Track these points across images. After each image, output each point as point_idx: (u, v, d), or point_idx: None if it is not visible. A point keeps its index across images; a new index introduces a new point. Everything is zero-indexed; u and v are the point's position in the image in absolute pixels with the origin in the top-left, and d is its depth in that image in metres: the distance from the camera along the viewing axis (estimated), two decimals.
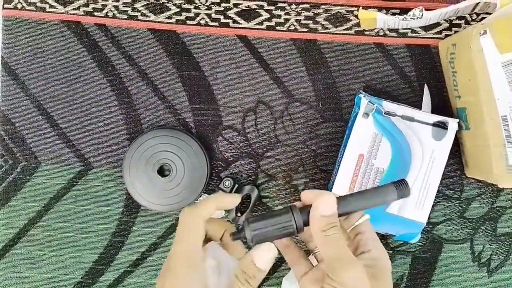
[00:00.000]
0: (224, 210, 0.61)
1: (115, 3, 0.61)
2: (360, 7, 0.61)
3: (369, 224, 0.37)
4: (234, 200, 0.39)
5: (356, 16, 0.62)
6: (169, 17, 0.61)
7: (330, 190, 0.58)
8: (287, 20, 0.62)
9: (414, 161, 0.56)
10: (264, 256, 0.34)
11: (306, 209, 0.36)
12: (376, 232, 0.61)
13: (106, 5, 0.61)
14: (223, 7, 0.62)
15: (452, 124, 0.56)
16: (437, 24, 0.62)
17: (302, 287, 0.37)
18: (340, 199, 0.37)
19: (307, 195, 0.37)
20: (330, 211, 0.34)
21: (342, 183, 0.57)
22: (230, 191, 0.61)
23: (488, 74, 0.51)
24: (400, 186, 0.37)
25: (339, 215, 0.36)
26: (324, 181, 0.63)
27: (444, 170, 0.57)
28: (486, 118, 0.52)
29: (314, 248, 0.41)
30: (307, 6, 0.62)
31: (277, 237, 0.36)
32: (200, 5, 0.62)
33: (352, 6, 0.62)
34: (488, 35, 0.51)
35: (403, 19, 0.58)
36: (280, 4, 0.62)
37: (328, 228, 0.33)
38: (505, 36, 0.50)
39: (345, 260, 0.32)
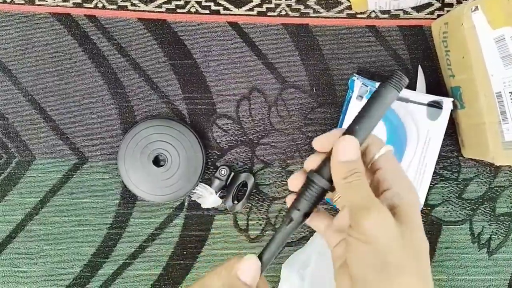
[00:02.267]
0: (220, 198, 0.61)
1: None
2: None
3: (391, 156, 0.31)
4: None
5: None
6: (159, 6, 0.61)
7: None
8: (278, 5, 0.61)
9: (410, 141, 0.56)
10: (247, 268, 0.31)
11: (324, 164, 0.32)
12: None
13: None
14: None
15: (447, 103, 0.56)
16: (429, 4, 0.61)
17: (326, 240, 0.34)
18: (352, 127, 0.32)
19: (321, 142, 0.33)
20: (350, 156, 0.29)
21: None
22: (226, 180, 0.61)
23: (481, 50, 0.51)
24: (394, 80, 0.33)
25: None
26: None
27: (440, 152, 0.57)
28: (480, 95, 0.52)
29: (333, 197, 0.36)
30: None
31: (315, 205, 0.33)
32: None
33: None
34: (480, 11, 0.50)
35: None
36: None
37: (350, 174, 0.29)
38: (496, 12, 0.50)
39: (366, 207, 0.28)
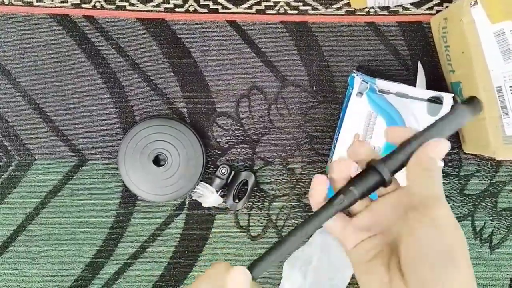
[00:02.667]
0: (221, 196, 0.61)
1: None
2: None
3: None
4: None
5: None
6: (157, 5, 0.61)
7: (327, 171, 0.58)
8: (276, 3, 0.61)
9: None
10: (438, 147, 0.32)
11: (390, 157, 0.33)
12: None
13: None
14: None
15: (447, 98, 0.56)
16: (428, 0, 0.61)
17: (343, 241, 0.35)
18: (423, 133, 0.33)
19: (395, 132, 0.34)
20: (439, 156, 0.32)
21: None
22: (227, 178, 0.61)
23: (481, 45, 0.50)
24: (471, 103, 0.34)
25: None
26: (321, 164, 0.62)
27: None
28: (481, 90, 0.52)
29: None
30: None
31: (366, 195, 0.34)
32: None
33: None
34: (479, 5, 0.50)
35: None
36: None
37: (433, 167, 0.31)
38: (495, 6, 0.50)
39: (441, 200, 0.30)
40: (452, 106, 0.35)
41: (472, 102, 0.35)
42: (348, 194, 0.33)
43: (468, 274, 0.29)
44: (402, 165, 0.33)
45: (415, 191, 0.32)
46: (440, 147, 0.32)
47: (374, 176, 0.33)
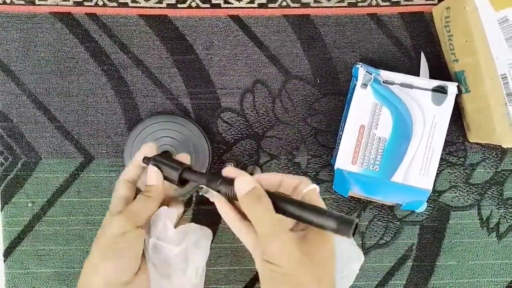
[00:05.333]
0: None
1: None
2: None
3: (315, 194, 0.36)
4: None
5: None
6: (160, 1, 0.61)
7: (333, 165, 0.58)
8: None
9: (416, 127, 0.56)
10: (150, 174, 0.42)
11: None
12: (383, 204, 0.61)
13: None
14: None
15: (452, 87, 0.56)
16: None
17: (255, 259, 0.37)
18: (282, 200, 0.36)
19: (228, 173, 0.39)
20: (248, 187, 0.35)
21: (345, 157, 0.57)
22: None
23: (485, 33, 0.51)
24: (344, 224, 0.32)
25: (278, 211, 0.35)
26: (327, 157, 0.63)
27: (446, 137, 0.57)
28: (485, 78, 0.52)
29: None
30: None
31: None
32: None
33: None
34: None
35: None
36: None
37: (252, 203, 0.34)
38: None
39: (270, 234, 0.32)
40: (325, 213, 0.34)
41: (347, 224, 0.32)
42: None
43: None
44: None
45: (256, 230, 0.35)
46: (241, 183, 0.36)
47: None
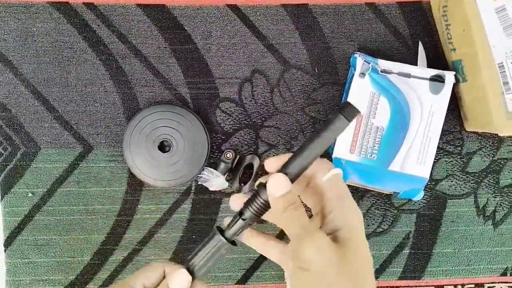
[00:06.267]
0: (227, 181, 0.61)
1: None
2: None
3: (338, 179, 0.33)
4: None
5: None
6: None
7: (331, 154, 0.58)
8: None
9: (413, 116, 0.56)
10: (177, 282, 0.34)
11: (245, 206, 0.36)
12: (380, 192, 0.61)
13: None
14: None
15: (449, 76, 0.56)
16: None
17: (283, 267, 0.36)
18: (291, 158, 0.34)
19: (271, 163, 0.35)
20: (282, 190, 0.32)
21: (343, 145, 0.57)
22: (232, 163, 0.61)
23: (482, 22, 0.51)
24: (346, 111, 0.35)
25: (297, 176, 0.33)
26: None
27: (443, 126, 0.57)
28: (482, 67, 0.52)
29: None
30: None
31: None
32: None
33: None
34: None
35: None
36: None
37: (286, 206, 0.31)
38: None
39: (304, 237, 0.30)
40: (329, 117, 0.35)
41: (347, 108, 0.35)
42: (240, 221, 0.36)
43: None
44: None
45: (287, 234, 0.32)
46: (274, 184, 0.32)
47: (259, 200, 0.35)
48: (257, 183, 0.37)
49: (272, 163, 0.34)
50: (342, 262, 0.29)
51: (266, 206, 0.34)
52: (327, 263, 0.28)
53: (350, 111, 0.35)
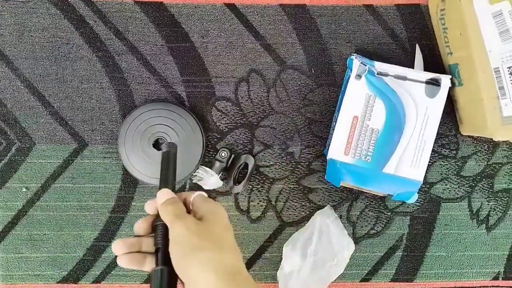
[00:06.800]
0: (221, 180, 0.61)
1: None
2: None
3: (201, 197, 0.42)
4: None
5: None
6: None
7: (326, 155, 0.58)
8: None
9: (408, 119, 0.56)
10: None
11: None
12: (374, 194, 0.61)
13: None
14: None
15: (445, 80, 0.56)
16: None
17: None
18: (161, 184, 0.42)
19: (150, 207, 0.42)
20: (164, 198, 0.40)
21: (338, 147, 0.57)
22: (227, 162, 0.61)
23: (479, 26, 0.51)
24: (167, 147, 0.44)
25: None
26: (320, 147, 0.63)
27: (438, 130, 0.57)
28: (478, 71, 0.52)
29: None
30: None
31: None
32: None
33: None
34: None
35: None
36: None
37: (167, 204, 0.40)
38: None
39: (177, 220, 0.38)
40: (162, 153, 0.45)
41: (167, 145, 0.45)
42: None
43: (207, 256, 0.36)
44: None
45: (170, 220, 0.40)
46: (159, 194, 0.40)
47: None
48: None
49: (151, 204, 0.42)
50: (205, 231, 0.38)
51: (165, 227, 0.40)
52: (193, 234, 0.37)
53: (171, 145, 0.44)
